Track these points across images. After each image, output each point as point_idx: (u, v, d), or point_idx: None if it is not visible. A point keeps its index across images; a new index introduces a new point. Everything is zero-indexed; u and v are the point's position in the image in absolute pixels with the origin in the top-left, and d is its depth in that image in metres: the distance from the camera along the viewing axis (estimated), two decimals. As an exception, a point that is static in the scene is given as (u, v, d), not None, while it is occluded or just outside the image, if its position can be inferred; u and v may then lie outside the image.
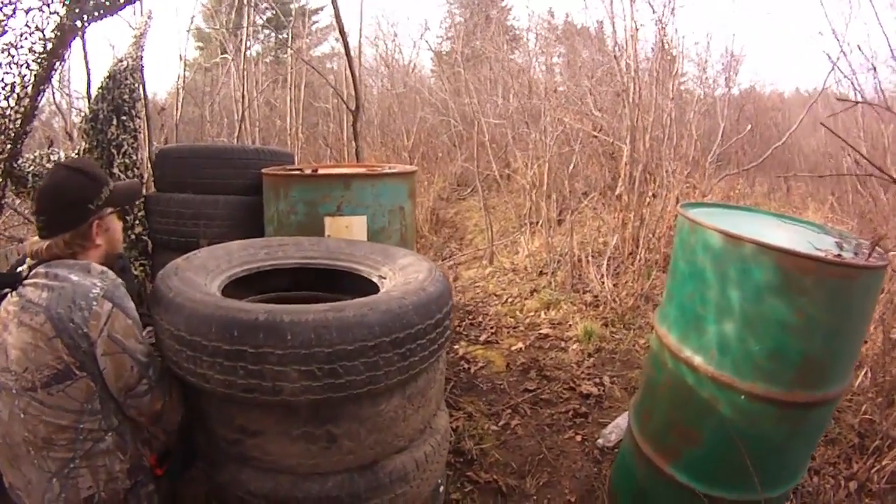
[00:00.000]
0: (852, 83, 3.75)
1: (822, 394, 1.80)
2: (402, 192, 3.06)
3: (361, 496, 1.63)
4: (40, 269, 1.47)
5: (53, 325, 1.38)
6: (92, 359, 1.42)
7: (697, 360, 1.90)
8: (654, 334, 2.19)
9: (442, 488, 2.15)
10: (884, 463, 2.50)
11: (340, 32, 5.32)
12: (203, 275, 1.79)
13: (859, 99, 3.78)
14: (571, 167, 5.89)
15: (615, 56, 5.57)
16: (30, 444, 1.42)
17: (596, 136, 5.14)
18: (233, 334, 1.39)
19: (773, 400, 1.80)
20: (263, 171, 3.17)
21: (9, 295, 1.48)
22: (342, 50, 8.40)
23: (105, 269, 1.53)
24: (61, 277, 1.44)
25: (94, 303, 1.41)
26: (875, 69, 3.81)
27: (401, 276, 1.96)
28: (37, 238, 1.56)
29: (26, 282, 1.47)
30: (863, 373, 3.11)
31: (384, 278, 2.07)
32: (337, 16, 5.18)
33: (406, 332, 1.54)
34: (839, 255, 1.71)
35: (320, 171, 3.23)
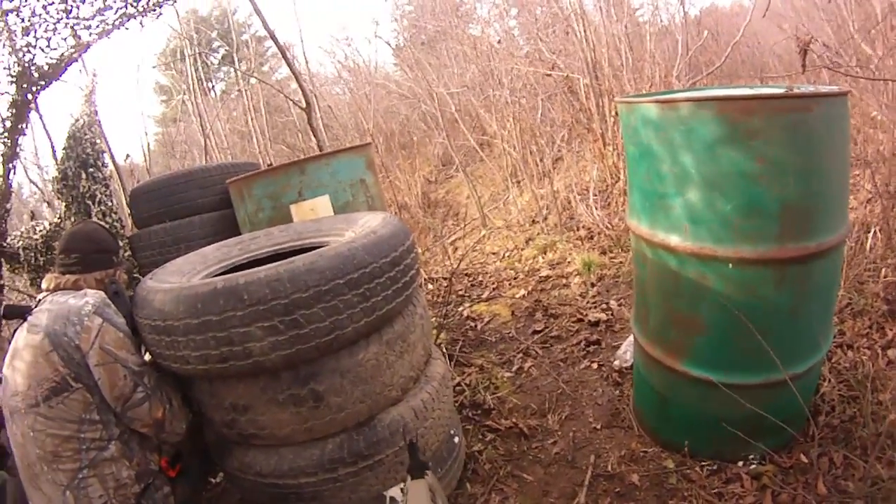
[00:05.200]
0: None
1: (817, 243, 1.68)
2: (358, 165, 3.14)
3: (363, 453, 1.64)
4: (46, 298, 1.66)
5: (50, 340, 1.52)
6: (86, 370, 1.53)
7: (673, 239, 1.82)
8: (630, 232, 2.12)
9: (457, 439, 2.12)
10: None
11: (271, 37, 5.43)
12: (178, 276, 1.84)
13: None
14: (539, 114, 5.80)
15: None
16: (42, 461, 1.52)
17: (549, 75, 5.05)
18: (197, 307, 1.44)
19: (765, 260, 1.69)
20: (228, 181, 3.24)
21: (21, 325, 1.64)
22: (299, 66, 8.65)
23: (98, 291, 1.68)
24: (59, 301, 1.61)
25: (86, 318, 1.56)
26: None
27: (360, 231, 1.97)
28: (56, 275, 1.73)
29: (35, 310, 1.64)
30: (871, 235, 2.93)
31: (350, 240, 2.11)
32: (263, 22, 5.34)
33: (360, 272, 1.55)
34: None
35: (275, 165, 3.27)
